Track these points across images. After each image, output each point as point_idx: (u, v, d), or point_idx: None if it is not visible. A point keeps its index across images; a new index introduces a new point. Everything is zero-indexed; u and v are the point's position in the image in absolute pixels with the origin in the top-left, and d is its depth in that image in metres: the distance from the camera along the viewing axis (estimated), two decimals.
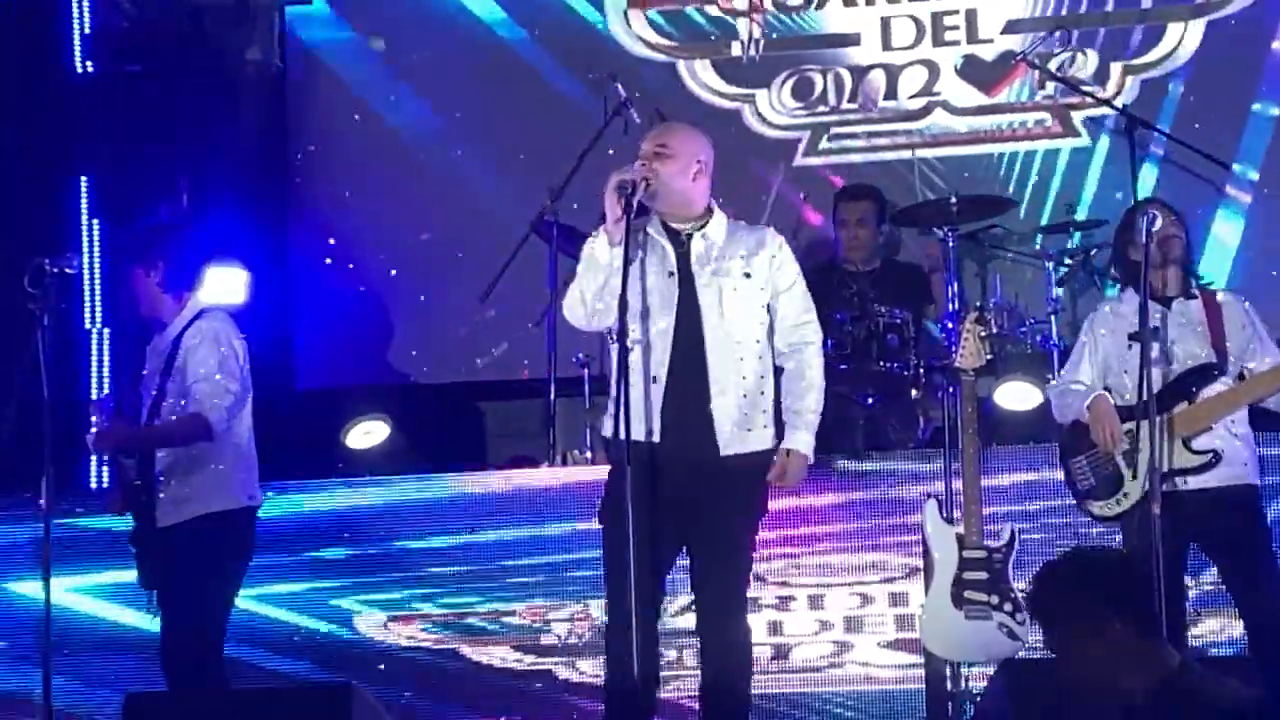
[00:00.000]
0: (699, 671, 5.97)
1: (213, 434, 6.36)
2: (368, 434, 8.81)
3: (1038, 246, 8.65)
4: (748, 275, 5.87)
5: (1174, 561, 6.02)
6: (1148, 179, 8.63)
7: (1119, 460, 6.27)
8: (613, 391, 5.73)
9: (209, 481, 6.40)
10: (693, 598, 5.90)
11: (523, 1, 9.51)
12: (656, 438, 5.73)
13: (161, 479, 6.39)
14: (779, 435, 5.90)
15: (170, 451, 6.41)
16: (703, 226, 5.90)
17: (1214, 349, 6.29)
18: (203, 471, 6.40)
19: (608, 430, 5.87)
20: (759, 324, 5.88)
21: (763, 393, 5.86)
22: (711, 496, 5.77)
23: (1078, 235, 8.63)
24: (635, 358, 5.77)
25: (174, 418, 6.40)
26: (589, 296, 5.84)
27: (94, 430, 6.48)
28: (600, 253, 5.79)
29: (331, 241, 9.52)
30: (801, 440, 5.87)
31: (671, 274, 5.81)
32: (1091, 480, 6.36)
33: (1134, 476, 6.22)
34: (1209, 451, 6.19)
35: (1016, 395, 8.05)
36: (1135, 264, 6.22)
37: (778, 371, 5.94)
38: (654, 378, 5.76)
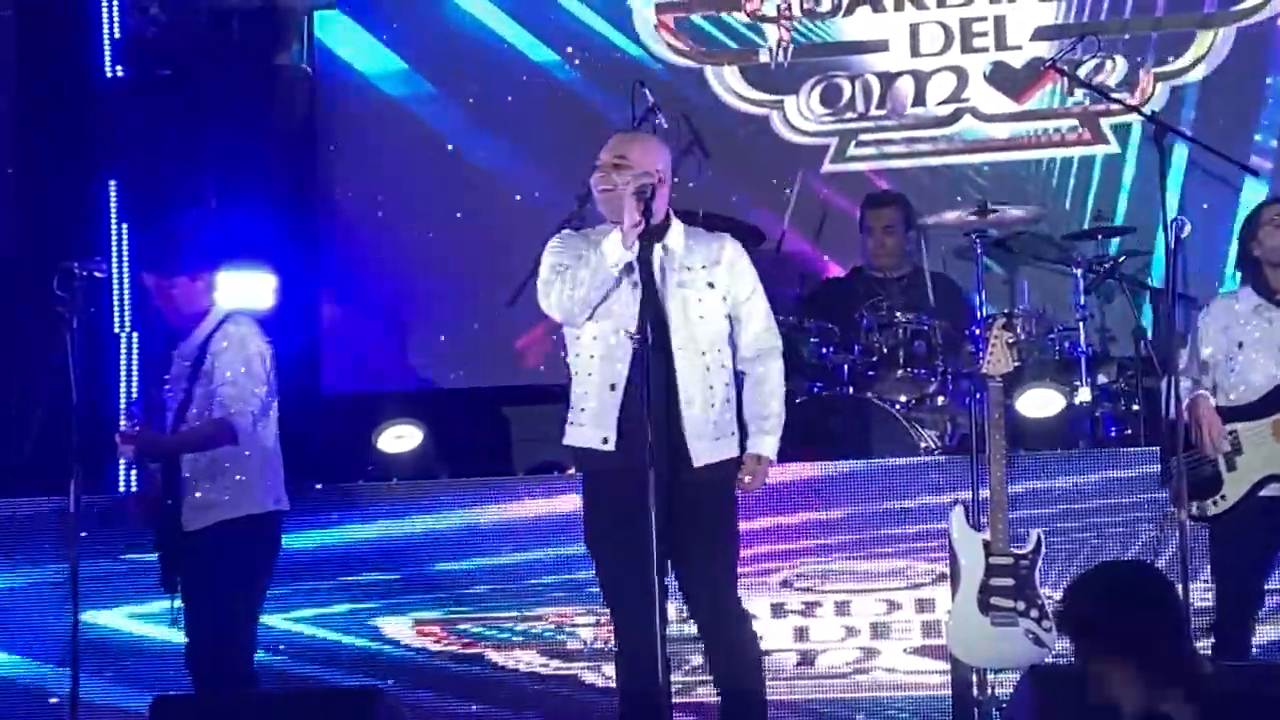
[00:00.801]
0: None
1: (239, 438, 6.37)
2: (399, 438, 8.81)
3: (1066, 253, 8.62)
4: (711, 285, 5.89)
5: (1260, 568, 6.00)
6: (1177, 186, 8.61)
7: (1220, 461, 6.24)
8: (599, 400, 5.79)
9: (236, 486, 6.41)
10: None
11: (552, 26, 9.51)
12: (612, 446, 5.75)
13: (188, 483, 6.40)
14: (742, 443, 5.93)
15: (197, 456, 6.42)
16: (661, 236, 5.89)
17: None
18: (230, 476, 6.41)
19: (577, 439, 5.90)
20: (722, 333, 5.90)
21: (729, 400, 5.89)
22: (689, 508, 5.78)
23: (1107, 242, 8.60)
24: (594, 364, 5.82)
25: (199, 422, 6.41)
26: (580, 299, 5.82)
27: (120, 434, 6.50)
28: (611, 253, 5.77)
29: (359, 246, 9.53)
30: (768, 445, 5.93)
31: (635, 284, 5.78)
32: (1191, 480, 6.32)
33: (1234, 479, 6.20)
34: None
35: (1038, 402, 8.00)
36: (1256, 261, 6.23)
37: (738, 378, 5.95)
38: (611, 385, 5.77)
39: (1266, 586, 6.52)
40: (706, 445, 5.82)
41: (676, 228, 5.97)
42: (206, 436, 6.40)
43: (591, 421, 5.83)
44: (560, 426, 6.00)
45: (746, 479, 5.91)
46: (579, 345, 5.91)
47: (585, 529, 5.96)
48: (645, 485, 5.45)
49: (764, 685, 6.02)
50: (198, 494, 6.39)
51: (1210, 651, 6.35)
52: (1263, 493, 6.14)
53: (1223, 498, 6.25)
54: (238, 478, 6.41)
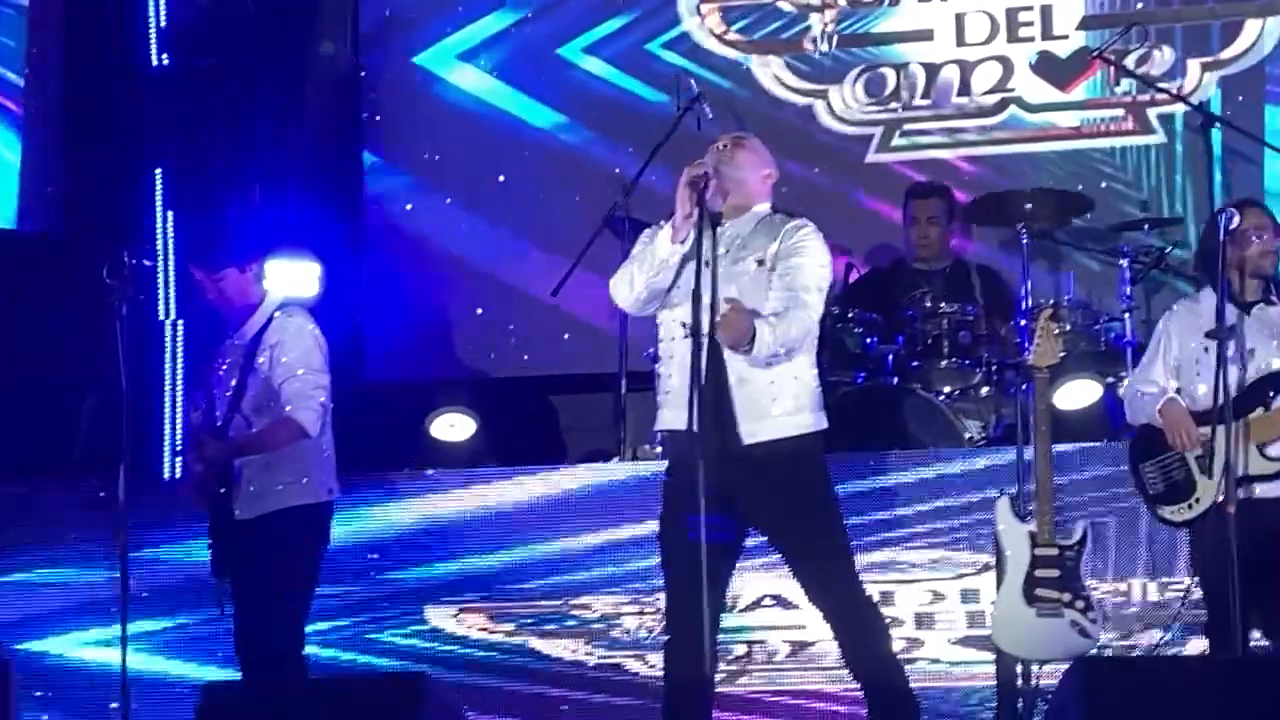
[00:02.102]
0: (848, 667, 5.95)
1: (309, 433, 6.39)
2: (453, 426, 8.82)
3: (1112, 244, 8.59)
4: (760, 263, 5.82)
5: (1243, 569, 5.95)
6: (1227, 176, 8.57)
7: (1191, 464, 6.23)
8: (674, 384, 5.77)
9: (291, 476, 6.43)
10: (764, 592, 5.91)
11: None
12: (695, 427, 5.64)
13: (241, 472, 6.42)
14: (812, 420, 5.83)
15: None
16: (737, 216, 5.88)
17: None
18: (285, 467, 6.42)
19: (662, 422, 5.89)
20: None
21: (796, 377, 5.78)
22: (763, 490, 5.76)
23: (1153, 233, 8.57)
24: (674, 347, 5.80)
25: (268, 421, 6.40)
26: (638, 284, 5.84)
27: (201, 444, 6.47)
28: (661, 247, 5.77)
29: (403, 233, 9.56)
30: (762, 328, 5.64)
31: (706, 263, 5.69)
32: (1162, 485, 6.32)
33: (1207, 481, 6.18)
34: None
35: (1076, 394, 7.96)
36: (1222, 264, 6.17)
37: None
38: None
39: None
40: (761, 423, 5.73)
41: (754, 212, 5.92)
42: (277, 436, 6.40)
43: (672, 403, 5.80)
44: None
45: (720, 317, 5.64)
46: (662, 330, 5.90)
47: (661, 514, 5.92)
48: (706, 474, 5.40)
49: (904, 676, 5.92)
50: (251, 484, 6.41)
51: (1206, 651, 6.35)
52: (1239, 493, 6.10)
53: (1196, 501, 6.22)
54: (293, 468, 6.42)
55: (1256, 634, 6.23)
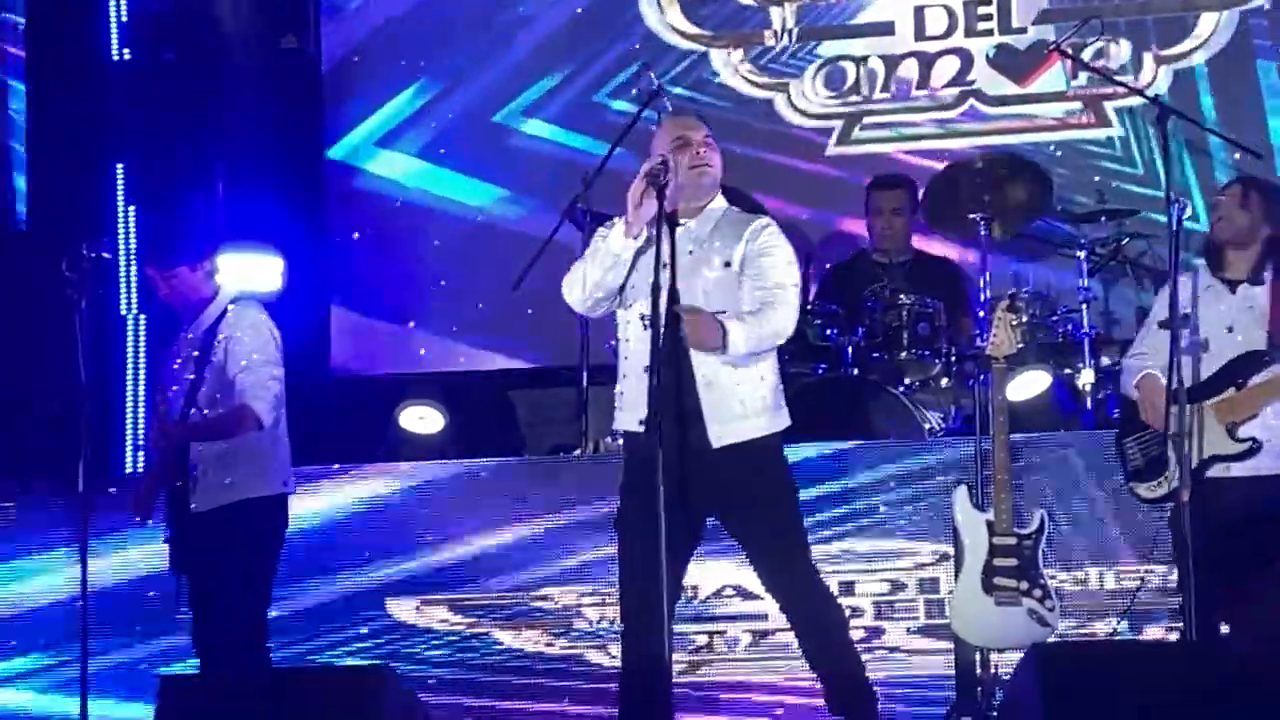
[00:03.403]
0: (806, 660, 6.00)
1: (262, 424, 6.40)
2: (422, 419, 8.85)
3: (1069, 236, 8.63)
4: (727, 264, 5.83)
5: (1211, 549, 6.00)
6: (1180, 168, 8.62)
7: (1169, 442, 6.27)
8: (632, 384, 5.80)
9: (247, 468, 6.44)
10: (725, 582, 5.93)
11: None
12: (647, 417, 5.66)
13: (198, 466, 6.43)
14: (778, 419, 5.88)
15: None
16: (695, 215, 5.88)
17: (1269, 336, 6.28)
18: (241, 459, 6.43)
19: (619, 422, 5.92)
20: (743, 312, 5.80)
21: (762, 379, 5.82)
22: (725, 489, 5.80)
23: (1110, 225, 8.61)
24: (630, 347, 5.82)
25: (222, 410, 6.42)
26: (590, 282, 5.83)
27: (160, 427, 6.47)
28: (615, 243, 5.75)
29: (364, 230, 9.56)
30: (734, 326, 5.66)
31: (664, 267, 5.66)
32: (1140, 461, 6.37)
33: (1179, 460, 6.23)
34: (1249, 439, 6.20)
35: (1025, 384, 8.00)
36: (1213, 242, 6.23)
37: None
38: (644, 368, 5.69)
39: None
40: (729, 426, 5.78)
41: (711, 208, 5.93)
42: (231, 424, 6.42)
43: (630, 404, 5.82)
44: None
45: (684, 317, 5.62)
46: (620, 329, 5.92)
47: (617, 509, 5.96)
48: (666, 467, 5.41)
49: (861, 665, 5.97)
50: (208, 476, 6.42)
51: (1180, 634, 6.40)
52: (1209, 474, 6.15)
53: (1167, 478, 6.27)
54: (249, 460, 6.44)
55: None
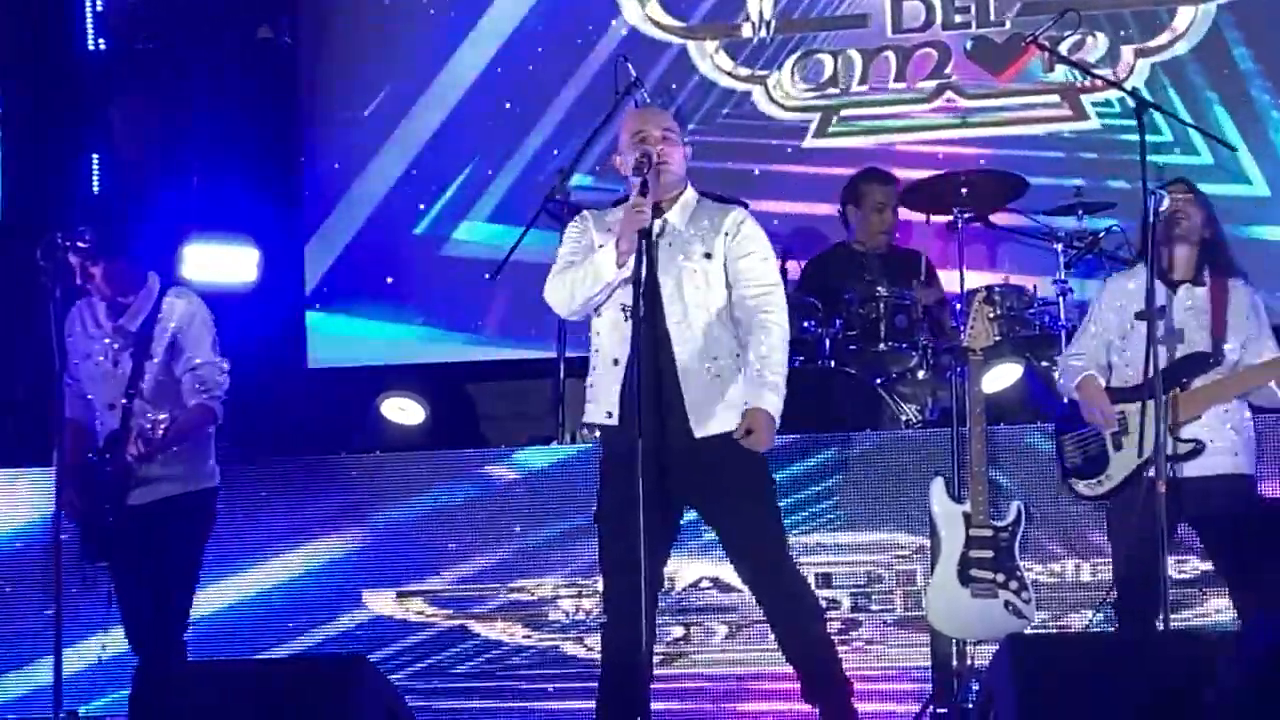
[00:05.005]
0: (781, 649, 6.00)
1: (219, 420, 6.41)
2: (402, 410, 8.85)
3: (1047, 229, 8.64)
4: (708, 256, 5.86)
5: (1156, 548, 6.00)
6: (1157, 161, 8.64)
7: (1107, 440, 6.29)
8: (606, 376, 5.80)
9: (185, 463, 6.44)
10: (702, 574, 5.93)
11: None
12: (615, 420, 5.76)
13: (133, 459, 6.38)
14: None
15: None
16: (669, 209, 5.90)
17: (1212, 338, 6.29)
18: (179, 453, 6.41)
19: (589, 415, 5.92)
20: (724, 305, 5.85)
21: (740, 371, 5.83)
22: (705, 482, 5.80)
23: (1086, 218, 8.62)
24: (602, 340, 5.84)
25: (183, 411, 6.37)
26: (579, 300, 5.86)
27: (138, 451, 6.39)
28: (606, 271, 5.78)
29: (342, 218, 9.55)
30: (768, 400, 5.77)
31: (640, 260, 5.69)
32: (1079, 459, 6.39)
33: (1119, 458, 6.25)
34: (1192, 440, 6.21)
35: (997, 376, 8.00)
36: (1164, 240, 6.24)
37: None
38: (614, 360, 5.77)
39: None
40: (710, 417, 5.79)
41: (684, 201, 5.94)
42: (195, 425, 6.41)
43: (599, 397, 5.84)
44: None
45: (742, 432, 5.76)
46: (593, 323, 5.93)
47: (596, 502, 5.97)
48: (641, 458, 5.43)
49: (836, 654, 5.99)
50: (145, 470, 6.38)
51: (1114, 627, 6.41)
52: (1148, 474, 6.16)
53: (1107, 477, 6.29)
54: (185, 454, 6.42)
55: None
